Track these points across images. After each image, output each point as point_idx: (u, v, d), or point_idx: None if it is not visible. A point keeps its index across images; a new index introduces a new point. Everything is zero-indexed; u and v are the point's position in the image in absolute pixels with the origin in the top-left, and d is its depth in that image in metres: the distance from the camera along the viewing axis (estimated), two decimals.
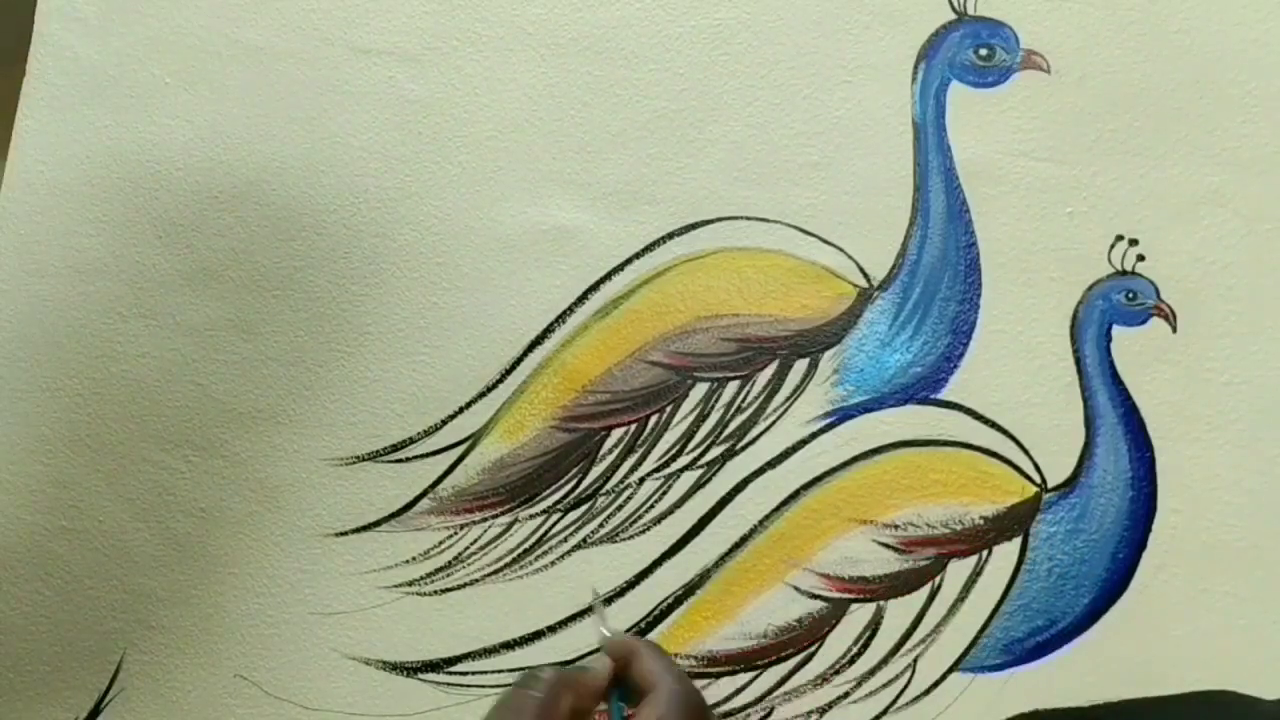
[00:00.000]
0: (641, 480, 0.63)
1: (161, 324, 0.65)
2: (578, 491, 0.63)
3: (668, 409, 0.63)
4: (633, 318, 0.64)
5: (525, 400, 0.63)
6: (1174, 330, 0.63)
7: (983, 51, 0.66)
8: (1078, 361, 0.63)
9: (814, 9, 0.67)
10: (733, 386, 0.63)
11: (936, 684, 0.60)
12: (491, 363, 0.64)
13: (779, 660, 0.61)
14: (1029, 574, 0.61)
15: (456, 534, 0.62)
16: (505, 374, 0.64)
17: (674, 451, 0.63)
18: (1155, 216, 0.64)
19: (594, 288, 0.64)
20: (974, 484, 0.62)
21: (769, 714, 0.60)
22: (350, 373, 0.64)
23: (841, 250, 0.64)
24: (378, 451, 0.63)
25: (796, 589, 0.61)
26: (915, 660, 0.61)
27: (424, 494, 0.63)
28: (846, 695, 0.60)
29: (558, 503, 0.63)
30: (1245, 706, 0.56)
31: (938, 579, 0.61)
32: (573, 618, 0.61)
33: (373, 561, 0.62)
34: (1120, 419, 0.62)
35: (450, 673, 0.61)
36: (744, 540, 0.62)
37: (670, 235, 0.65)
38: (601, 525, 0.62)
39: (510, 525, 0.62)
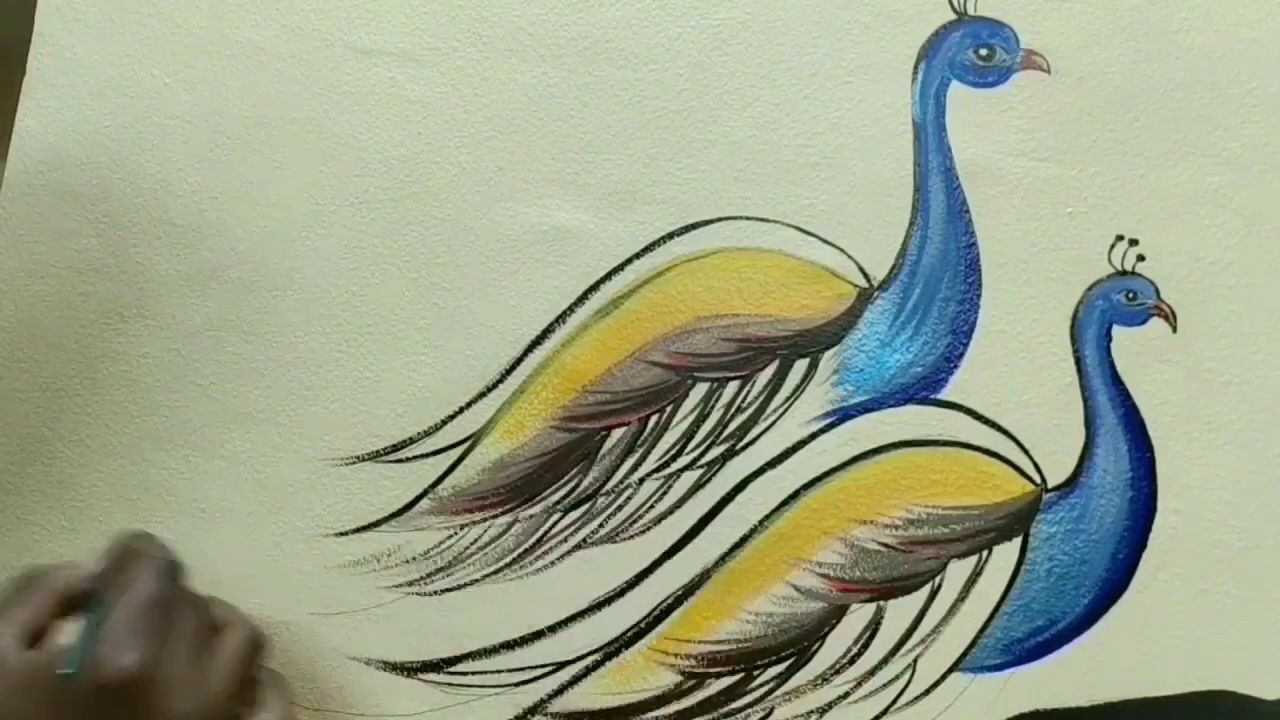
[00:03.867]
0: (641, 480, 0.63)
1: (161, 324, 0.65)
2: (578, 491, 0.63)
3: (668, 409, 0.63)
4: (633, 318, 0.64)
5: (525, 400, 0.63)
6: (1174, 330, 0.63)
7: (983, 51, 0.66)
8: (1078, 361, 0.63)
9: (814, 9, 0.67)
10: (733, 386, 0.63)
11: (936, 684, 0.60)
12: (491, 363, 0.64)
13: (779, 660, 0.61)
14: (1029, 574, 0.61)
15: (456, 534, 0.62)
16: (505, 374, 0.64)
17: (674, 451, 0.63)
18: (1155, 216, 0.64)
19: (594, 288, 0.64)
20: (974, 484, 0.62)
21: (769, 714, 0.60)
22: (350, 373, 0.64)
23: (841, 250, 0.65)
24: (378, 451, 0.63)
25: (797, 589, 0.61)
26: (915, 660, 0.61)
27: (424, 494, 0.63)
28: (846, 695, 0.60)
29: (558, 503, 0.63)
30: (1245, 706, 0.56)
31: (938, 579, 0.61)
32: (573, 618, 0.61)
33: (373, 561, 0.62)
34: (1120, 419, 0.62)
35: (450, 673, 0.61)
36: (744, 540, 0.62)
37: (670, 235, 0.65)
38: (601, 525, 0.62)
39: (510, 525, 0.62)
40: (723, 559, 0.62)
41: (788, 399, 0.63)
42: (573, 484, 0.63)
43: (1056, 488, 0.62)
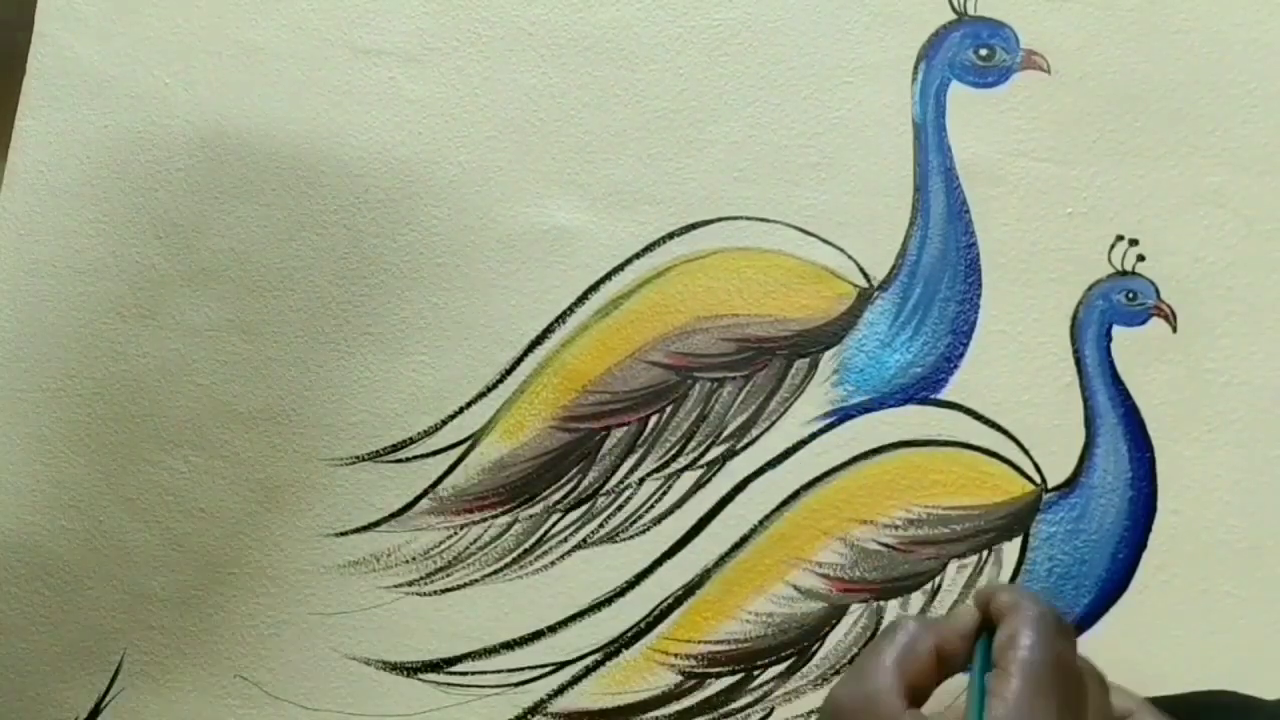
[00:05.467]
0: (641, 480, 0.63)
1: (161, 324, 0.65)
2: (578, 491, 0.63)
3: (668, 409, 0.63)
4: (633, 318, 0.64)
5: (525, 400, 0.63)
6: (1174, 330, 0.63)
7: (983, 51, 0.66)
8: (1078, 361, 0.63)
9: (814, 9, 0.67)
10: (733, 386, 0.63)
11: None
12: (491, 363, 0.64)
13: (779, 660, 0.61)
14: (1029, 574, 0.61)
15: (456, 534, 0.62)
16: (505, 374, 0.64)
17: (674, 451, 0.63)
18: (1155, 216, 0.64)
19: (594, 288, 0.64)
20: (974, 484, 0.62)
21: (769, 714, 0.60)
22: (350, 373, 0.64)
23: (841, 250, 0.65)
24: (378, 451, 0.63)
25: (797, 589, 0.61)
26: None
27: (424, 494, 0.63)
28: None
29: (558, 503, 0.63)
30: (1245, 706, 0.56)
31: (938, 579, 0.61)
32: (573, 618, 0.61)
33: (373, 561, 0.62)
34: (1120, 419, 0.62)
35: (450, 673, 0.61)
36: (744, 540, 0.62)
37: (670, 235, 0.65)
38: (601, 525, 0.62)
39: (510, 525, 0.62)
40: (723, 559, 0.62)
41: (788, 399, 0.63)
42: (573, 484, 0.63)
43: (1056, 488, 0.62)
